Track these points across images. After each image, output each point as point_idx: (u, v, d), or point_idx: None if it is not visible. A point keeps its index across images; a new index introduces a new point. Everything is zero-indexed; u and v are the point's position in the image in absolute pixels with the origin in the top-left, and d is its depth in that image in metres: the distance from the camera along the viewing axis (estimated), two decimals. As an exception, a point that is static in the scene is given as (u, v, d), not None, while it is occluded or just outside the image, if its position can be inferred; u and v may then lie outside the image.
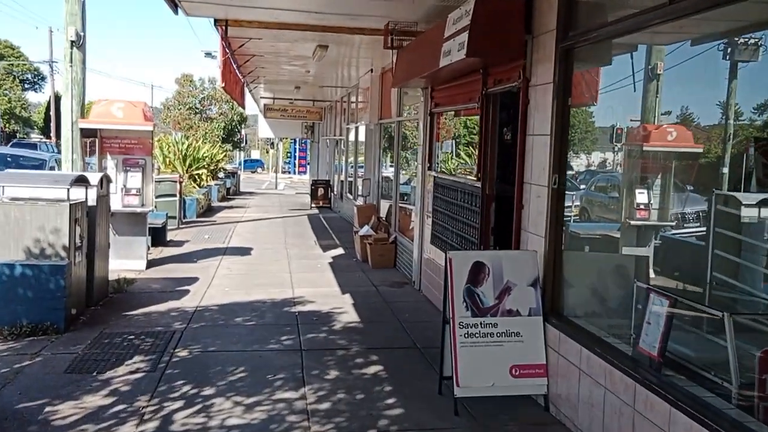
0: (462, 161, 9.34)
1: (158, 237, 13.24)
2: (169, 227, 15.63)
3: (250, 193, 31.59)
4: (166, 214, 13.73)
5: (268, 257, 12.41)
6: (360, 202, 15.95)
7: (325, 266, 11.58)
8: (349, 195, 19.12)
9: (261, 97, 24.72)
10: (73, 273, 7.41)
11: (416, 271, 9.56)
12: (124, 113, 10.37)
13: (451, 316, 5.18)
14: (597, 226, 6.31)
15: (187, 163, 21.33)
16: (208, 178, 23.89)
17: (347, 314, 8.18)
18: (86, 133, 10.72)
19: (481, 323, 5.18)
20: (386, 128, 13.95)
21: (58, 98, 57.11)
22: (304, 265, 11.60)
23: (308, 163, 43.37)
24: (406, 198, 12.22)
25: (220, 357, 6.42)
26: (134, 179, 10.85)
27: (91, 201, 8.29)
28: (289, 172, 57.01)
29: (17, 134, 47.15)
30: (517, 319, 5.22)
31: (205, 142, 27.45)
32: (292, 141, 58.48)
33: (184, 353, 6.52)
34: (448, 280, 5.21)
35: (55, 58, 55.41)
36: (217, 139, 32.42)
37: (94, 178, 8.49)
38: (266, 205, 24.36)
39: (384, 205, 13.75)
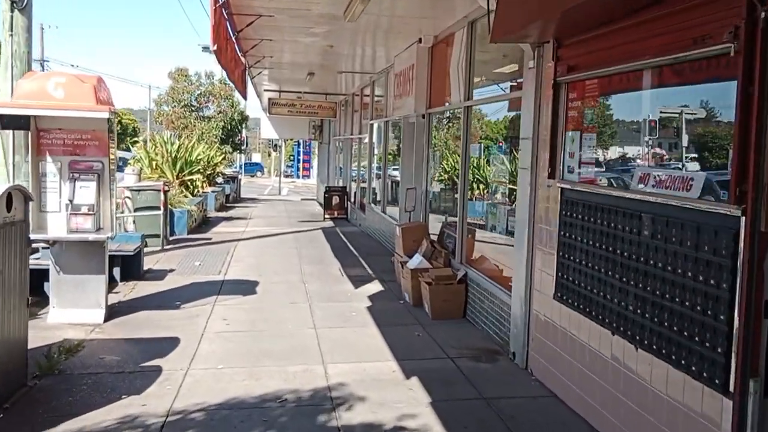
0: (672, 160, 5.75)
1: (131, 267, 9.79)
2: (150, 250, 12.21)
3: (252, 200, 28.13)
4: (142, 235, 10.25)
5: (280, 297, 8.93)
6: (379, 212, 12.35)
7: (363, 313, 8.11)
8: (374, 206, 15.63)
9: (265, 90, 21.29)
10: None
11: (519, 337, 6.07)
12: (66, 92, 6.89)
13: None
14: None
15: (178, 167, 17.88)
16: (204, 185, 20.43)
17: None
18: (14, 123, 7.24)
19: None
20: (438, 119, 10.47)
21: None
22: (332, 312, 8.13)
23: (311, 167, 40.11)
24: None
25: None
26: (86, 192, 7.37)
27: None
28: (293, 176, 53.82)
29: None
30: None
31: (200, 142, 23.98)
32: (296, 144, 55.35)
33: None
34: None
35: (46, 57, 52.33)
36: (215, 140, 28.95)
37: (-5, 193, 5.04)
38: (271, 216, 20.89)
39: (431, 222, 10.27)
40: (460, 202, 8.29)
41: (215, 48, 6.45)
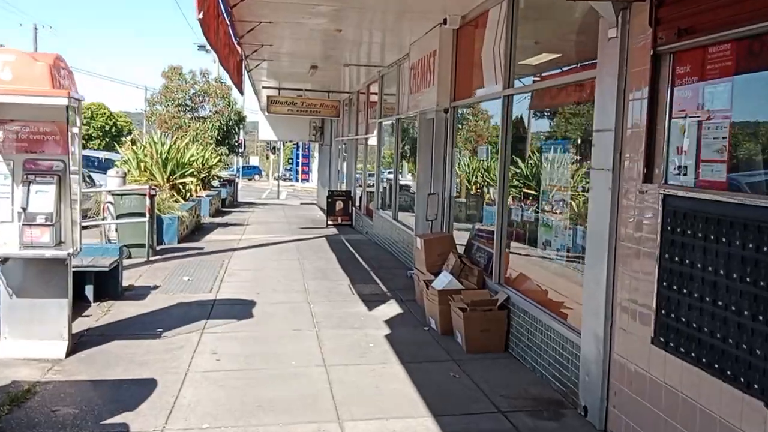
0: None
1: (107, 284, 8.40)
2: (133, 261, 10.86)
3: (250, 204, 26.74)
4: (121, 248, 8.84)
5: (282, 323, 7.54)
6: (390, 219, 10.93)
7: (382, 344, 6.71)
8: (383, 211, 14.24)
9: (264, 87, 19.90)
10: None
11: (593, 388, 4.67)
12: (14, 73, 5.49)
13: None
14: None
15: (169, 169, 16.46)
16: (198, 188, 19.03)
17: None
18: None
19: None
20: (462, 114, 9.10)
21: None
22: (345, 343, 6.74)
23: (310, 170, 38.80)
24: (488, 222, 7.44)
25: None
26: (43, 198, 5.96)
27: None
28: (291, 180, 52.50)
29: None
30: None
31: (194, 143, 22.58)
32: (294, 146, 54.14)
33: None
34: None
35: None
36: (211, 141, 27.54)
37: None
38: (270, 221, 19.49)
39: (455, 232, 8.90)
40: (498, 209, 6.90)
41: (201, 17, 5.09)
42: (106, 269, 8.13)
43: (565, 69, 6.23)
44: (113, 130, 56.55)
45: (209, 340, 6.78)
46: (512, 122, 6.79)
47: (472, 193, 8.78)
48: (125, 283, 9.19)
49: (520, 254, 6.82)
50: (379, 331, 7.19)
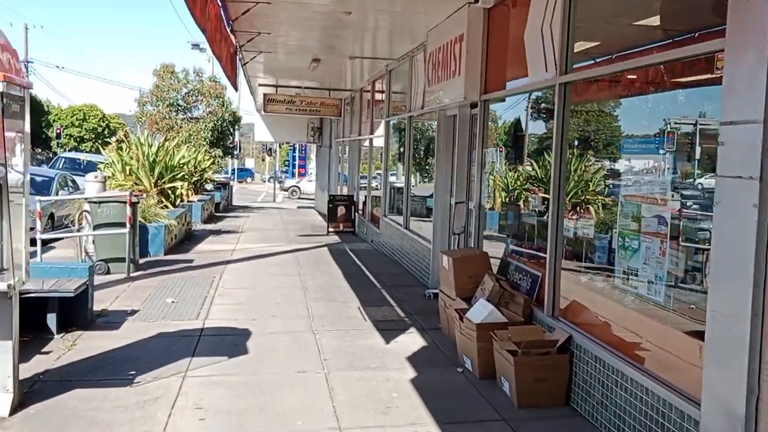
0: None
1: (74, 311, 7.08)
2: (112, 278, 9.58)
3: (245, 209, 25.41)
4: (91, 267, 7.48)
5: (283, 362, 6.18)
6: (401, 228, 9.57)
7: (408, 394, 5.38)
8: (391, 219, 12.90)
9: (260, 85, 18.55)
10: None
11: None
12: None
13: None
14: None
15: (157, 173, 15.08)
16: (190, 192, 17.67)
17: None
18: None
19: None
20: (490, 111, 7.77)
21: (34, 102, 50.83)
22: (361, 392, 5.40)
23: (307, 173, 37.58)
24: (538, 237, 6.13)
25: None
26: (-25, 212, 4.63)
27: None
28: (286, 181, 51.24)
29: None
30: None
31: (185, 144, 21.24)
32: (291, 147, 52.93)
33: None
34: None
35: (30, 58, 49.39)
36: (204, 143, 26.16)
37: None
38: (266, 228, 18.14)
39: (486, 247, 7.58)
40: (552, 222, 5.56)
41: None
42: (71, 294, 6.78)
43: (641, 49, 4.91)
44: (106, 132, 55.13)
45: (192, 387, 5.44)
46: (567, 115, 5.46)
47: (507, 201, 7.45)
48: (98, 306, 7.87)
49: (584, 280, 5.50)
50: (402, 374, 5.86)
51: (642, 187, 4.32)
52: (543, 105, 6.68)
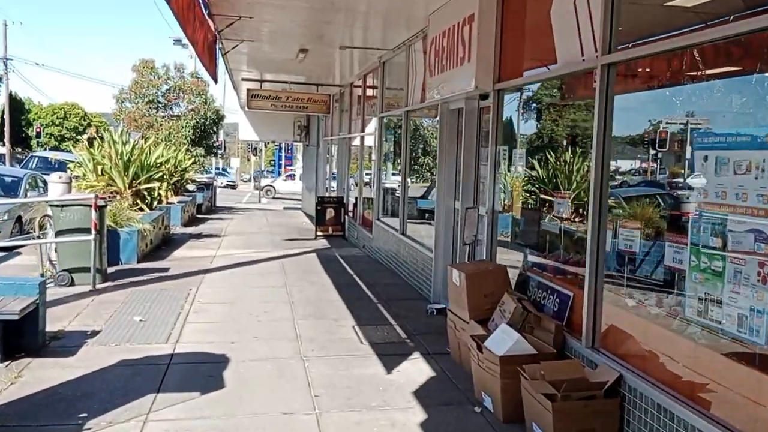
0: None
1: (23, 334, 6.07)
2: (76, 291, 8.58)
3: (228, 210, 24.33)
4: (42, 283, 6.41)
5: (266, 401, 5.17)
6: (396, 233, 8.61)
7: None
8: (385, 223, 11.92)
9: (243, 80, 17.51)
10: None
11: None
12: None
13: None
14: None
15: (131, 173, 13.99)
16: (169, 194, 16.58)
17: None
18: None
19: None
20: (508, 102, 6.80)
21: (14, 100, 49.33)
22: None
23: (293, 172, 36.63)
24: (552, 247, 5.21)
25: None
26: None
27: None
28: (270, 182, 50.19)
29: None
30: None
31: (164, 143, 20.15)
32: (277, 147, 51.93)
33: None
34: None
35: (9, 55, 47.82)
36: (185, 141, 25.03)
37: None
38: (250, 231, 17.08)
39: (500, 260, 6.61)
40: (593, 231, 4.59)
41: None
42: (17, 317, 5.74)
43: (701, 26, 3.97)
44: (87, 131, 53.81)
45: (155, 437, 4.43)
46: (612, 103, 4.51)
47: (527, 207, 6.47)
48: (54, 326, 6.85)
49: (630, 303, 4.54)
50: (409, 416, 4.87)
51: (732, 192, 3.36)
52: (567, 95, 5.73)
